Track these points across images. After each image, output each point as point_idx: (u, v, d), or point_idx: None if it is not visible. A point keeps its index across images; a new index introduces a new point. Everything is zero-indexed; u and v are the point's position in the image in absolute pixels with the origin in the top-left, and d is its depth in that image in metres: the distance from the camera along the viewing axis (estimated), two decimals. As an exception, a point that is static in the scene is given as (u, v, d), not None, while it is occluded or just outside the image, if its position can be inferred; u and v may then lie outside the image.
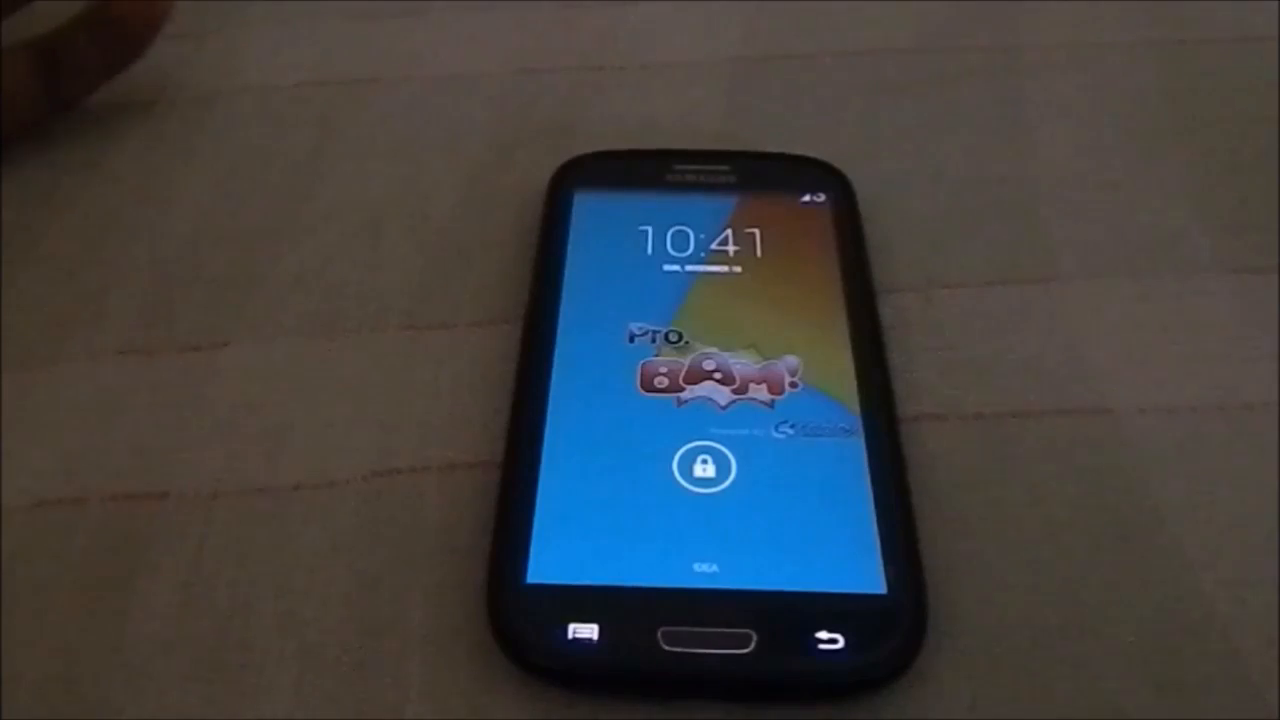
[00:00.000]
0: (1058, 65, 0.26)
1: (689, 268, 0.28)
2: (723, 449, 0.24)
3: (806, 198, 0.30)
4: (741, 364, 0.26)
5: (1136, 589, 0.23)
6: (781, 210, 0.30)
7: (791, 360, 0.26)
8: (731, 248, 0.29)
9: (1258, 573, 0.23)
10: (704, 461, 0.24)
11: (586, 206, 0.30)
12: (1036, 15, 0.31)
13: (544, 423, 0.25)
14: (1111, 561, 0.23)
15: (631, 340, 0.26)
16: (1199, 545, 0.23)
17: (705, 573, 0.22)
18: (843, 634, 0.21)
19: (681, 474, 0.24)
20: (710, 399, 0.25)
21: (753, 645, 0.21)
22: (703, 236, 0.29)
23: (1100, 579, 0.23)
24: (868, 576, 0.22)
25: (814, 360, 0.26)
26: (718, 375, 0.26)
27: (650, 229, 0.29)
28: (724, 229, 0.29)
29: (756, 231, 0.29)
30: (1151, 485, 0.24)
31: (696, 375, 0.26)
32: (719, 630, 0.21)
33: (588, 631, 0.21)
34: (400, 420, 0.26)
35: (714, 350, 0.26)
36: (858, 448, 0.24)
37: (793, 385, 0.26)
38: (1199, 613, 0.22)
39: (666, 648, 0.21)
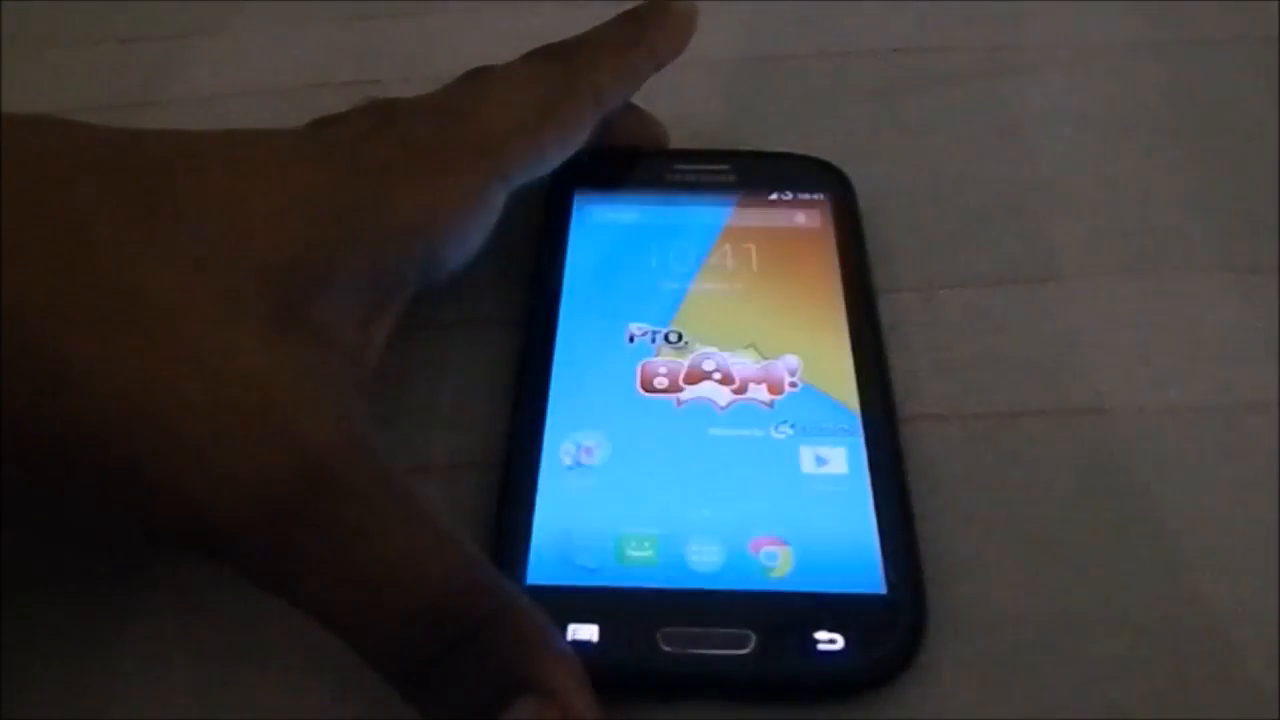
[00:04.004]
0: (1058, 65, 0.26)
1: (689, 267, 0.28)
2: (722, 450, 0.24)
3: (806, 197, 0.30)
4: (741, 364, 0.26)
5: (1136, 588, 0.23)
6: (782, 210, 0.30)
7: (791, 360, 0.26)
8: (731, 247, 0.29)
9: (1257, 572, 0.23)
10: (704, 462, 0.24)
11: (586, 207, 0.30)
12: (1036, 15, 0.30)
13: (544, 424, 0.25)
14: (1111, 561, 0.23)
15: (631, 340, 0.26)
16: (1198, 545, 0.23)
17: (704, 573, 0.22)
18: (842, 634, 0.21)
19: (681, 475, 0.24)
20: (710, 399, 0.25)
21: (752, 646, 0.21)
22: (703, 236, 0.29)
23: (1099, 578, 0.23)
24: (867, 577, 0.22)
25: (814, 360, 0.26)
26: (717, 375, 0.26)
27: (650, 229, 0.29)
28: (724, 228, 0.29)
29: (756, 231, 0.29)
30: (1151, 485, 0.24)
31: (696, 375, 0.26)
32: (718, 631, 0.21)
33: (587, 633, 0.21)
34: (401, 420, 0.26)
35: (714, 350, 0.26)
36: (857, 447, 0.24)
37: (792, 385, 0.25)
38: (1198, 612, 0.22)
39: (666, 649, 0.21)
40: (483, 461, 0.25)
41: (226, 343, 0.19)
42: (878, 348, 0.26)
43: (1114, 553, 0.23)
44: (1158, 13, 0.29)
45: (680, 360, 0.26)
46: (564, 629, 0.21)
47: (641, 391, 0.25)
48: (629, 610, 0.22)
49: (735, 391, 0.25)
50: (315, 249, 0.21)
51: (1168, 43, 0.23)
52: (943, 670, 0.22)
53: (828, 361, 0.26)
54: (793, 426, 0.25)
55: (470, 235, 0.25)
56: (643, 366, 0.26)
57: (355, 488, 0.19)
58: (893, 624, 0.22)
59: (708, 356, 0.26)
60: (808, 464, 0.24)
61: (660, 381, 0.26)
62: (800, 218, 0.29)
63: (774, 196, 0.30)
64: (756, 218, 0.29)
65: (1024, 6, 0.30)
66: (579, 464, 0.24)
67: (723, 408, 0.25)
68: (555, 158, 0.26)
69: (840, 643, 0.21)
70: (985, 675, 0.22)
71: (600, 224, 0.29)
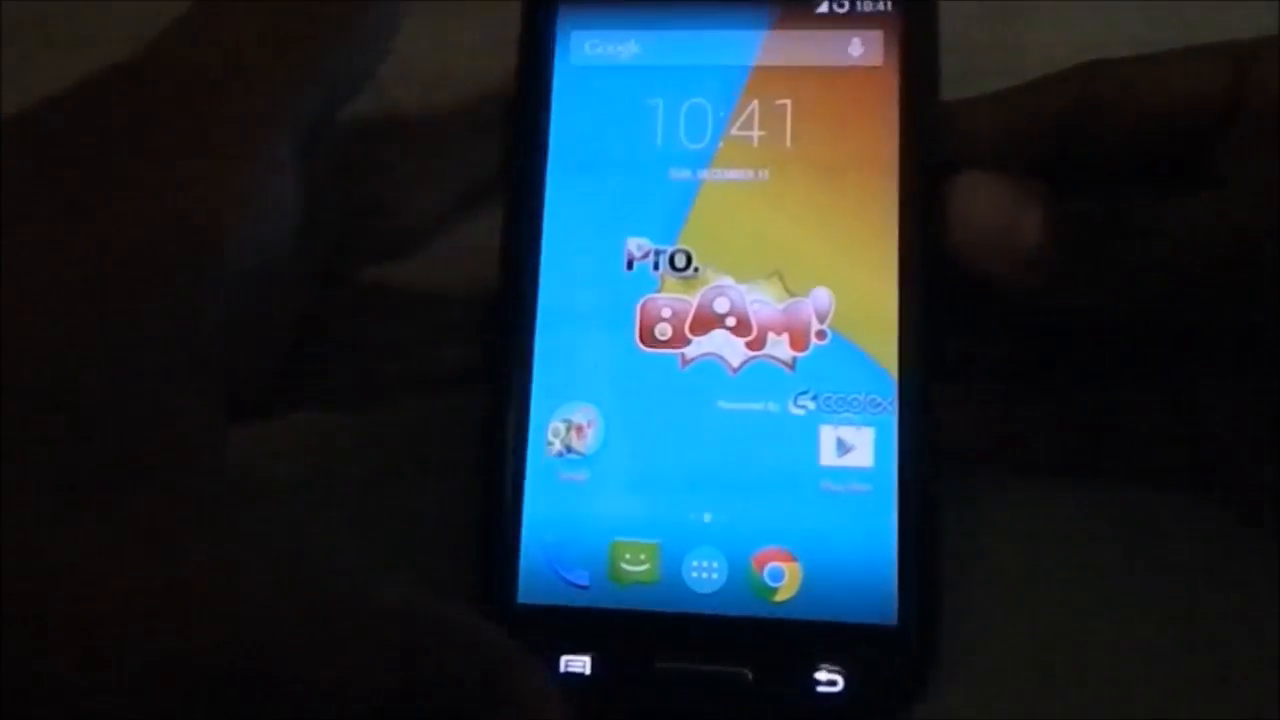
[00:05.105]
0: (1057, 65, 0.22)
1: (704, 143, 0.22)
2: (731, 430, 0.21)
3: (867, 8, 0.22)
4: (761, 303, 0.22)
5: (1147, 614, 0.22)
6: (830, 37, 0.22)
7: (822, 296, 0.21)
8: (760, 107, 0.22)
9: (1264, 580, 0.22)
10: (709, 448, 0.21)
11: (573, 36, 0.23)
12: (1036, 15, 0.26)
13: (529, 398, 0.22)
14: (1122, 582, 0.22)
15: (630, 266, 0.22)
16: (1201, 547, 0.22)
17: (703, 593, 0.21)
18: (843, 673, 0.20)
19: (683, 467, 0.21)
20: (720, 357, 0.22)
21: (749, 685, 0.20)
22: (723, 87, 0.22)
23: (1111, 601, 0.22)
24: (879, 605, 0.20)
25: (849, 295, 0.21)
26: (731, 321, 0.22)
27: (656, 77, 0.22)
28: (751, 72, 0.22)
29: (794, 75, 0.22)
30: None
31: (706, 321, 0.22)
32: (714, 669, 0.20)
33: (580, 665, 0.21)
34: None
35: (728, 282, 0.22)
36: (888, 428, 0.21)
37: (820, 336, 0.21)
38: (1210, 630, 0.22)
39: (659, 684, 0.21)
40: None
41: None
42: (929, 277, 0.21)
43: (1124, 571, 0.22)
44: (1157, 12, 0.26)
45: (688, 298, 0.22)
46: (556, 661, 0.20)
47: (641, 345, 0.22)
48: (622, 639, 0.21)
49: (751, 345, 0.22)
50: (75, 362, 0.15)
51: (1167, 42, 0.21)
52: (949, 702, 0.21)
53: (867, 296, 0.21)
54: (814, 398, 0.21)
55: (269, 214, 0.18)
56: (643, 306, 0.22)
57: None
58: (899, 662, 0.20)
59: (721, 292, 0.22)
60: (828, 452, 0.21)
61: (663, 330, 0.22)
62: (855, 47, 0.22)
63: (822, 9, 0.23)
64: (795, 51, 0.22)
65: (1024, 6, 0.27)
66: (569, 450, 0.21)
67: (735, 369, 0.22)
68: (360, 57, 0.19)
69: (840, 684, 0.20)
70: (992, 707, 0.21)
71: (591, 71, 0.23)
